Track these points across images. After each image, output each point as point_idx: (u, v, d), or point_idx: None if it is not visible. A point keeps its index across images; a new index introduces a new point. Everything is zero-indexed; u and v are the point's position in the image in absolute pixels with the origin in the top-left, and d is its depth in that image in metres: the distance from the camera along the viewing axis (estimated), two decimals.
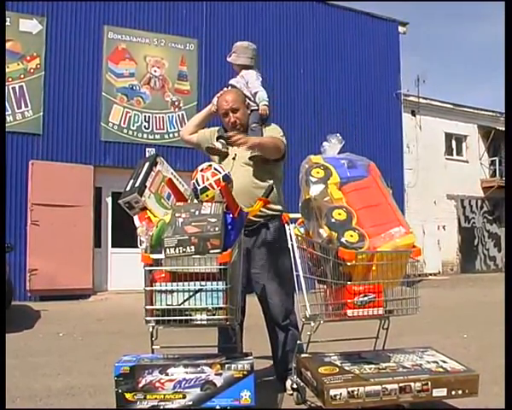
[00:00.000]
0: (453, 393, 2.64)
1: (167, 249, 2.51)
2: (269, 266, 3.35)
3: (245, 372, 2.58)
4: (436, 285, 14.19)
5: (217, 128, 3.58)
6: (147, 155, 4.04)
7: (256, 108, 3.49)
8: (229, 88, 3.59)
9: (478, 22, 70.13)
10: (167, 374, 2.57)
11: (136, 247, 2.76)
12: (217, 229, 2.53)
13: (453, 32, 68.89)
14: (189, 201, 2.97)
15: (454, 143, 20.29)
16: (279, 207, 3.39)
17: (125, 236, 10.58)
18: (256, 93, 3.49)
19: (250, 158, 3.34)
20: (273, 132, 3.47)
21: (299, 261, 2.97)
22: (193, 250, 2.50)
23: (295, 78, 14.36)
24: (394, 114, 16.37)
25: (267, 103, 3.49)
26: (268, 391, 3.30)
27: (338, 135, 3.17)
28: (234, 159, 3.40)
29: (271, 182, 3.36)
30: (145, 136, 12.45)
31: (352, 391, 2.52)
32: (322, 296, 2.93)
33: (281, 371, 3.45)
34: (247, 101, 3.50)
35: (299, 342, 3.13)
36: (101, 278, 12.03)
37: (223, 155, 3.44)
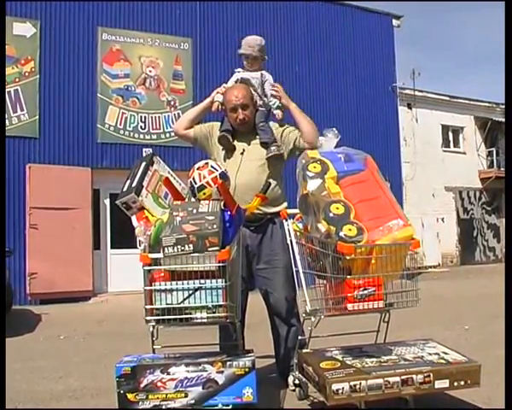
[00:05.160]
0: (455, 384, 2.63)
1: (166, 248, 2.50)
2: (275, 260, 3.36)
3: (246, 369, 2.57)
4: (436, 277, 14.22)
5: (215, 123, 3.55)
6: (144, 155, 4.02)
7: (263, 108, 3.49)
8: (240, 81, 3.52)
9: (474, 14, 70.15)
10: (169, 373, 2.57)
11: (136, 248, 2.75)
12: (215, 227, 2.52)
13: (448, 23, 68.89)
14: (186, 199, 2.97)
15: (451, 134, 20.25)
16: (285, 205, 3.41)
17: (124, 237, 10.56)
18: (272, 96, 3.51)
19: (267, 158, 3.36)
20: (294, 132, 3.48)
21: (298, 257, 2.97)
22: (191, 249, 2.49)
23: (290, 75, 14.32)
24: (390, 107, 16.38)
25: (282, 110, 3.51)
26: (270, 388, 3.29)
27: (334, 129, 3.16)
28: (242, 154, 3.39)
29: (277, 180, 3.40)
30: (142, 136, 12.44)
31: (354, 385, 2.51)
32: (321, 291, 2.92)
33: (283, 367, 3.44)
34: (255, 99, 3.48)
35: (300, 337, 3.13)
36: (101, 279, 12.02)
37: (230, 150, 3.42)
